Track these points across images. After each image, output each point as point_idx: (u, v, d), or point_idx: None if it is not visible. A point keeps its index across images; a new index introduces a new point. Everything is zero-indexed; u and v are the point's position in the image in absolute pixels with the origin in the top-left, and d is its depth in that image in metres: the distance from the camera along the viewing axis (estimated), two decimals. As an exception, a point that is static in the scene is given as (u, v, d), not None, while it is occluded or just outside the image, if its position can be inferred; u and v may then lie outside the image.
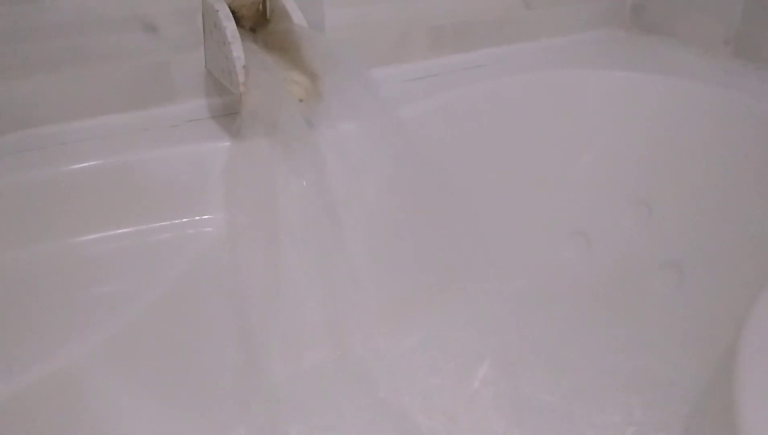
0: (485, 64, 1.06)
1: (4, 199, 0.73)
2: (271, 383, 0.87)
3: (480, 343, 0.99)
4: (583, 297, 1.06)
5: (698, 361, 0.91)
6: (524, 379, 0.95)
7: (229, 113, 0.88)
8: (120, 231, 0.78)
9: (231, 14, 0.79)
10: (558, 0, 1.12)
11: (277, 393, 0.87)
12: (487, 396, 0.93)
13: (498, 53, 1.08)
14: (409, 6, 0.98)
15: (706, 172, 0.98)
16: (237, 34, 0.78)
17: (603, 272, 1.06)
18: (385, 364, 0.95)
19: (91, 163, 0.77)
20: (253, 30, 0.88)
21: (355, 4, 0.94)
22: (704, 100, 0.99)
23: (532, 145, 1.05)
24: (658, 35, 1.17)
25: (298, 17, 0.83)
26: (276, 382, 0.88)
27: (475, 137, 1.01)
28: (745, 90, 0.98)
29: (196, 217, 0.81)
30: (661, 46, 1.15)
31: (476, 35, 1.06)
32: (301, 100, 0.78)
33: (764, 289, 0.70)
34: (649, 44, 1.16)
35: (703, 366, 0.89)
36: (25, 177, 0.75)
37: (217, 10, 0.79)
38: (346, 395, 0.90)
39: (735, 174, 0.95)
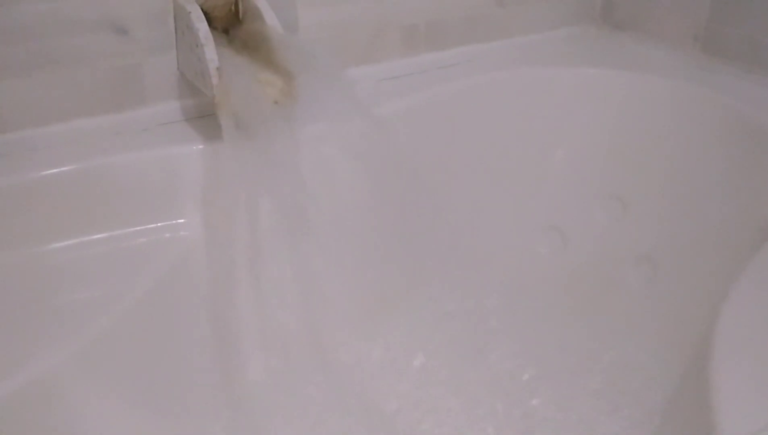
0: (458, 63, 1.07)
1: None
2: (247, 387, 0.87)
3: (456, 340, 1.00)
4: (558, 291, 1.07)
5: (673, 352, 0.93)
6: (501, 374, 0.95)
7: (202, 115, 0.88)
8: (94, 237, 0.77)
9: (203, 16, 0.79)
10: (530, -3, 1.13)
11: (253, 396, 0.87)
12: (465, 393, 0.93)
13: (471, 51, 1.09)
14: (382, 5, 0.98)
15: (677, 166, 0.99)
16: (210, 35, 0.77)
17: (578, 267, 1.08)
18: (361, 365, 0.96)
19: (63, 168, 0.76)
20: (225, 31, 0.87)
21: (328, 4, 0.94)
22: (673, 96, 1.00)
23: (506, 142, 1.06)
24: (629, 31, 1.18)
25: (270, 18, 0.82)
26: (252, 385, 0.87)
27: (450, 135, 1.02)
28: (713, 85, 0.99)
29: (171, 222, 0.81)
30: (632, 42, 1.16)
31: (449, 34, 1.06)
32: (275, 102, 0.78)
33: (736, 281, 0.72)
34: (620, 41, 1.17)
35: (677, 356, 0.91)
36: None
37: (189, 12, 0.78)
38: (322, 398, 0.90)
39: (705, 168, 0.96)
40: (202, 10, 0.81)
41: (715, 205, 0.95)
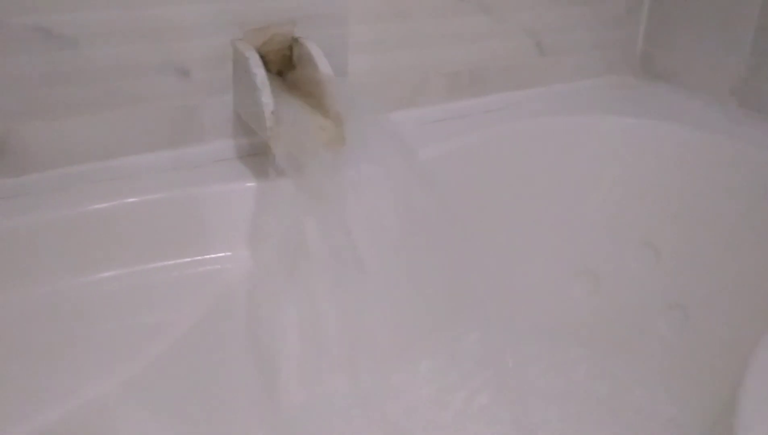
0: (500, 108, 1.10)
1: (40, 234, 0.77)
2: (287, 412, 0.90)
3: (489, 377, 1.02)
4: (590, 335, 1.09)
5: (703, 400, 0.94)
6: (531, 412, 0.97)
7: (255, 153, 0.92)
8: (148, 266, 0.81)
9: (260, 61, 0.83)
10: (571, 47, 1.16)
11: (293, 421, 0.90)
12: (495, 429, 0.95)
13: (512, 98, 1.12)
14: (427, 53, 1.02)
15: (711, 217, 1.01)
16: (266, 80, 0.81)
17: (610, 311, 1.09)
18: (395, 395, 0.98)
19: (122, 201, 0.80)
20: (279, 73, 0.91)
21: (376, 51, 0.98)
22: (708, 148, 1.02)
23: (544, 186, 1.09)
24: (667, 82, 1.21)
25: (323, 64, 0.86)
26: (292, 411, 0.91)
27: (489, 178, 1.05)
28: (748, 140, 1.01)
29: (221, 254, 0.84)
30: (669, 93, 1.18)
31: (491, 81, 1.10)
32: (325, 145, 0.82)
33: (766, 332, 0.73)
34: (658, 91, 1.20)
35: (707, 404, 0.92)
36: (59, 214, 0.78)
37: (248, 58, 0.83)
38: (358, 424, 0.92)
39: (737, 220, 0.98)
40: (259, 53, 0.85)
41: (747, 256, 0.96)
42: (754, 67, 1.08)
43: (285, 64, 0.92)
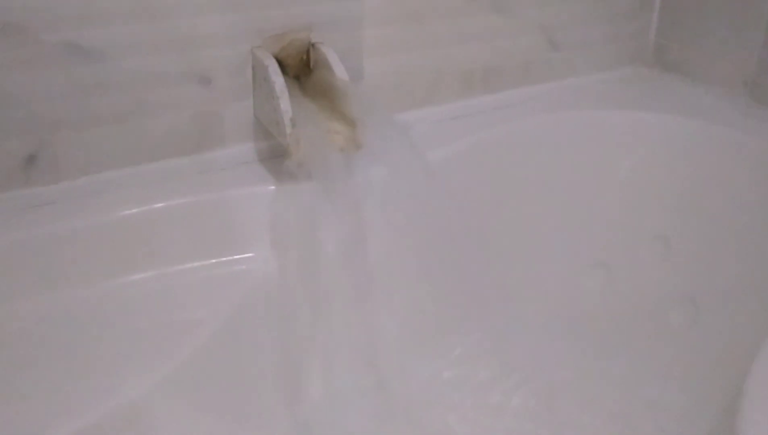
0: (513, 105, 1.11)
1: (73, 240, 0.80)
2: (309, 406, 0.94)
3: (506, 370, 1.04)
4: (602, 326, 1.11)
5: (713, 393, 0.95)
6: (548, 403, 1.00)
7: (274, 156, 0.94)
8: (177, 268, 0.84)
9: (279, 69, 0.86)
10: (583, 41, 1.17)
11: (315, 415, 0.94)
12: (510, 420, 0.98)
13: (526, 94, 1.14)
14: (441, 52, 1.04)
15: (723, 211, 1.02)
16: (285, 88, 0.84)
17: (622, 303, 1.11)
18: (416, 390, 1.01)
19: (151, 206, 0.84)
20: (297, 77, 0.94)
21: (391, 53, 1.00)
22: (721, 142, 1.03)
23: (557, 180, 1.10)
24: (679, 74, 1.22)
25: (339, 69, 0.88)
26: (315, 405, 0.94)
27: (504, 174, 1.07)
28: (760, 133, 1.02)
29: (245, 255, 0.87)
30: (682, 85, 1.19)
31: (505, 77, 1.11)
32: (341, 149, 0.85)
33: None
34: (670, 83, 1.21)
35: (718, 397, 0.94)
36: (91, 220, 0.82)
37: (267, 66, 0.86)
38: (379, 418, 0.95)
39: (749, 214, 1.00)
40: (277, 58, 0.88)
41: (758, 250, 0.98)
42: (765, 60, 1.09)
43: (302, 69, 0.94)
